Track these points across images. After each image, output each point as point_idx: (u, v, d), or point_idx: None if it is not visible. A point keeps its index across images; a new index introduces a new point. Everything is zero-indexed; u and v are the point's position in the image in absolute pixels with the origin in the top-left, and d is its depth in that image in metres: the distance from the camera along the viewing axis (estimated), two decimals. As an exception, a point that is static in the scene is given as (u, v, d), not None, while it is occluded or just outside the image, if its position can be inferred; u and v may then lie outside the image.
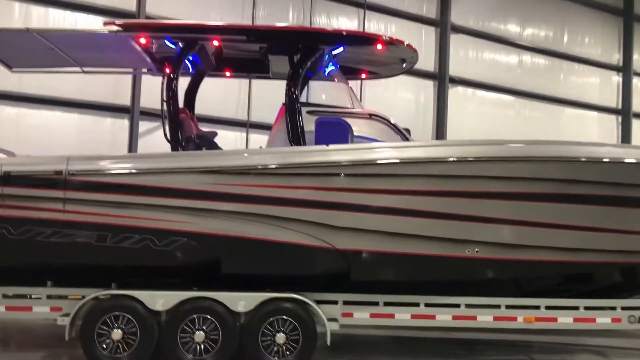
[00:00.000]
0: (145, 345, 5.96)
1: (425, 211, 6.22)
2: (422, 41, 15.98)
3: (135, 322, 5.93)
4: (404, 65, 7.81)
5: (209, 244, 6.05)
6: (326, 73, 7.84)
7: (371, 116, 7.02)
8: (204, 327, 6.04)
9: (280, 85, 6.91)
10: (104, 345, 5.90)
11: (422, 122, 15.79)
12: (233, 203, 6.03)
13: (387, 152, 6.33)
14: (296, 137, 6.59)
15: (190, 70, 7.94)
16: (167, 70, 6.71)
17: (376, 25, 15.41)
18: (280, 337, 6.10)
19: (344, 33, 6.98)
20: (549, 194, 6.35)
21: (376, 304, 6.52)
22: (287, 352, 6.13)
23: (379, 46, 6.94)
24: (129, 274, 6.30)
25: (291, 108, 6.66)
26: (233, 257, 6.14)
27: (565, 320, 6.68)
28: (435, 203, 6.22)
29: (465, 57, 16.83)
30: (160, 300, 6.00)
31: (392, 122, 6.98)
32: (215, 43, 6.95)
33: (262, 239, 6.05)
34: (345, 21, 14.98)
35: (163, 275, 6.31)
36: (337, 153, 6.18)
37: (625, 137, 20.01)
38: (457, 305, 6.58)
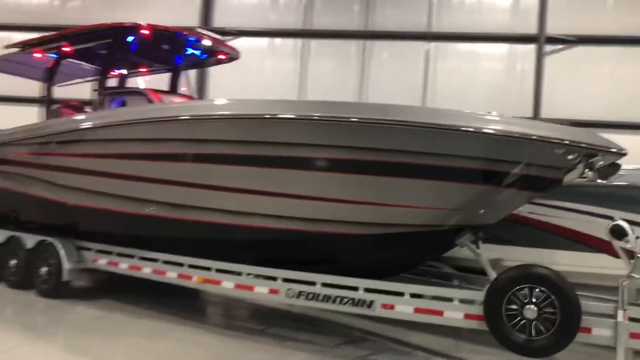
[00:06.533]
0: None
1: (110, 172, 7.21)
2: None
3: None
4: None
5: None
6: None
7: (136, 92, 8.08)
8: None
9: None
10: None
11: (518, 95, 13.62)
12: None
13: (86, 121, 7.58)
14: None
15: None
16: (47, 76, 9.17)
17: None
18: (44, 269, 8.09)
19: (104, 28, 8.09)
20: (188, 154, 6.50)
21: (110, 253, 7.79)
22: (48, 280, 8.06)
23: (145, 31, 7.94)
24: None
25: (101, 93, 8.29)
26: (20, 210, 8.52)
27: (227, 285, 6.61)
28: (113, 165, 7.15)
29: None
30: None
31: (147, 94, 7.79)
32: (67, 49, 9.04)
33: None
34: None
35: None
36: (54, 126, 7.77)
37: None
38: (155, 260, 7.26)
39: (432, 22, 14.13)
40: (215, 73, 14.59)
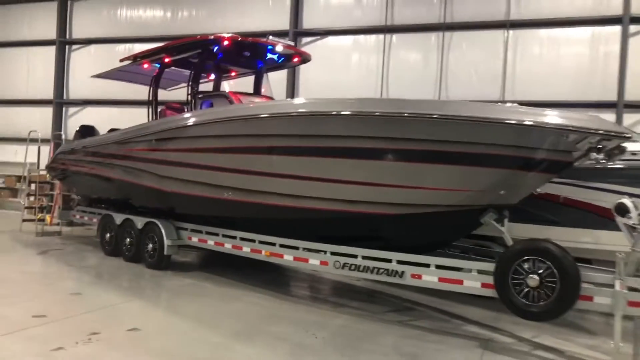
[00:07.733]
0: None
1: (196, 164, 8.64)
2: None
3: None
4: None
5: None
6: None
7: (220, 95, 9.41)
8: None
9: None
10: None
11: (602, 79, 13.40)
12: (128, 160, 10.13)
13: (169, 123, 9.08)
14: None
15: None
16: (153, 82, 10.91)
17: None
18: (150, 246, 9.80)
19: (193, 41, 9.47)
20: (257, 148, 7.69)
21: (200, 232, 9.28)
22: (153, 254, 9.77)
23: (225, 42, 9.29)
24: None
25: (193, 96, 9.86)
26: (134, 197, 10.29)
27: (288, 257, 7.77)
28: (198, 157, 8.56)
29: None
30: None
31: (228, 96, 9.11)
32: (167, 60, 10.64)
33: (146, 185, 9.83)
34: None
35: None
36: (154, 126, 9.35)
37: None
38: (234, 237, 8.60)
39: (511, 10, 14.26)
40: (305, 71, 15.83)
